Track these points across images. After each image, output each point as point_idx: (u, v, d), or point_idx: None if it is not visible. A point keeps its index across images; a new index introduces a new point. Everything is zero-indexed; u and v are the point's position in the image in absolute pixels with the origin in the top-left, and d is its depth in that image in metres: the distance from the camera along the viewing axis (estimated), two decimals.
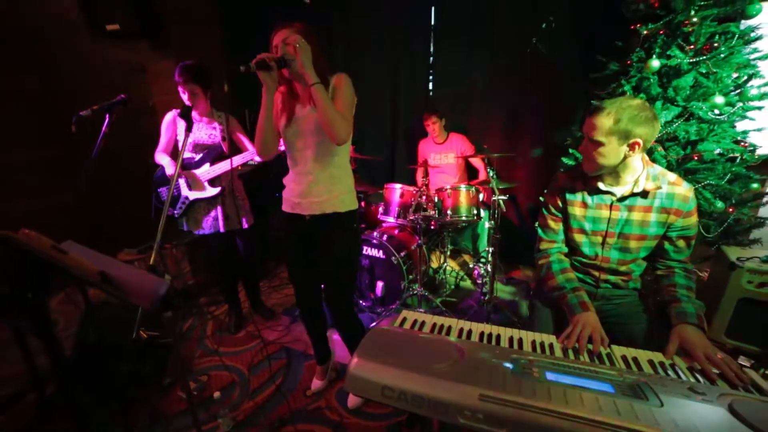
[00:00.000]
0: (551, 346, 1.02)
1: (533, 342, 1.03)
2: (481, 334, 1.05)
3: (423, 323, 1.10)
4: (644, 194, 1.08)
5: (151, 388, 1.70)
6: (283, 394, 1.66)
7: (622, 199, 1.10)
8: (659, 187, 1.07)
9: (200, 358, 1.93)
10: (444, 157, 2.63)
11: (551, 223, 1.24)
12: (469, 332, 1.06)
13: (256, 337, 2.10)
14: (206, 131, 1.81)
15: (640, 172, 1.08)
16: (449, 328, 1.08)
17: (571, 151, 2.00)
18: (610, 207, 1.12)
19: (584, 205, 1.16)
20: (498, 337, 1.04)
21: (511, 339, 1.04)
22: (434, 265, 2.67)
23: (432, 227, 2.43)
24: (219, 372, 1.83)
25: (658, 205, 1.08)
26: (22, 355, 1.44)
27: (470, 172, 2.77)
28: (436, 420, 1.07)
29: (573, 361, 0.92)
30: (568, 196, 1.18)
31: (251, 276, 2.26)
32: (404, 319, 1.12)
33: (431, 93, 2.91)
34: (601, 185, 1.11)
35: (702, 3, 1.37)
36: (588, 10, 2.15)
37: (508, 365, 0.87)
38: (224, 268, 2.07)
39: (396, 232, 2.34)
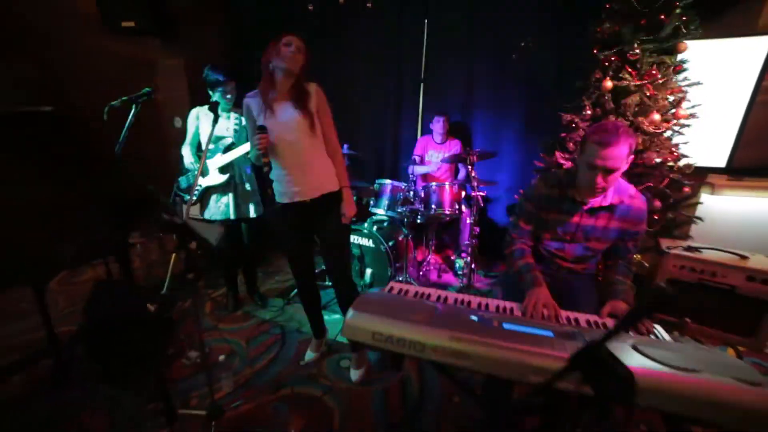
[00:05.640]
0: (512, 309, 1.26)
1: (497, 306, 1.27)
2: (455, 299, 1.28)
3: (407, 291, 1.32)
4: (609, 207, 1.28)
5: (156, 357, 1.84)
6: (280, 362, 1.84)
7: (590, 210, 1.29)
8: (622, 202, 1.27)
9: (203, 333, 2.08)
10: (439, 156, 2.85)
11: (521, 224, 1.44)
12: (446, 298, 1.28)
13: (253, 316, 2.27)
14: (225, 125, 1.98)
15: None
16: (429, 295, 1.30)
17: (542, 155, 2.28)
18: (580, 215, 1.31)
19: (558, 211, 1.34)
20: (469, 302, 1.27)
21: (479, 303, 1.27)
22: (419, 258, 2.90)
23: (418, 221, 2.66)
24: (219, 345, 1.99)
25: (619, 216, 1.28)
26: (42, 321, 1.58)
27: (456, 172, 3.01)
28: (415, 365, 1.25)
29: (528, 320, 1.16)
30: (544, 203, 1.36)
31: (252, 262, 2.41)
32: (392, 288, 1.33)
33: (422, 97, 3.14)
34: (576, 197, 1.28)
35: (644, 38, 1.67)
36: (561, 33, 2.45)
37: (474, 317, 1.10)
38: (229, 254, 2.22)
39: (385, 223, 2.55)
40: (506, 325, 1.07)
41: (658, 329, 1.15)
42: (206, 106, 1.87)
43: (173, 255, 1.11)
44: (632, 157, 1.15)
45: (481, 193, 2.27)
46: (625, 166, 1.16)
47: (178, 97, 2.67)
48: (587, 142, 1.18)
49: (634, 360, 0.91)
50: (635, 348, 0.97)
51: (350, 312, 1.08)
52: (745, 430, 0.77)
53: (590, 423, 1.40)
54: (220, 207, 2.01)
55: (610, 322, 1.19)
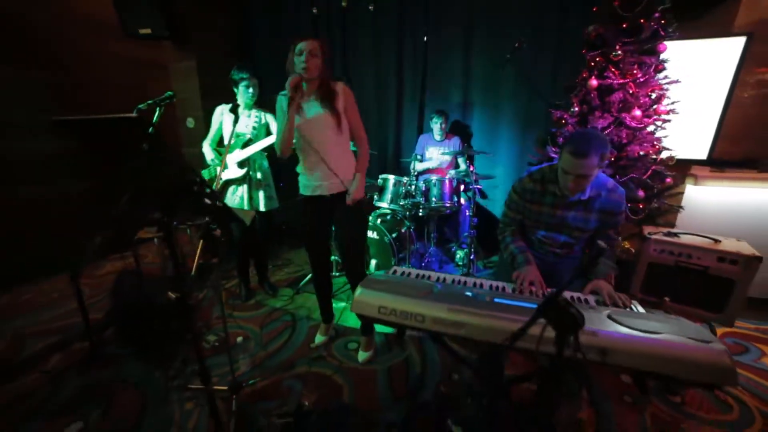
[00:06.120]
0: (504, 287, 1.40)
1: (491, 285, 1.41)
2: (453, 280, 1.42)
3: (410, 273, 1.46)
4: (588, 201, 1.40)
5: (178, 341, 2.00)
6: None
7: (571, 203, 1.42)
8: (600, 194, 1.39)
9: (218, 319, 2.24)
10: (439, 152, 2.98)
11: (511, 214, 1.58)
12: (444, 279, 1.42)
13: (265, 305, 2.42)
14: (245, 122, 2.12)
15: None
16: (429, 276, 1.44)
17: (535, 149, 2.41)
18: (562, 207, 1.44)
19: (541, 204, 1.48)
20: (465, 282, 1.41)
21: (474, 283, 1.41)
22: (422, 250, 3.03)
23: (420, 214, 2.79)
24: (235, 330, 2.14)
25: (597, 208, 1.41)
26: (78, 307, 1.73)
27: (456, 167, 3.14)
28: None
29: (517, 295, 1.30)
30: (529, 197, 1.50)
31: (262, 254, 2.56)
32: (395, 270, 1.48)
33: (425, 96, 3.27)
34: (557, 191, 1.42)
35: (626, 40, 1.80)
36: (553, 34, 2.57)
37: (469, 293, 1.24)
38: (241, 244, 2.36)
39: (388, 216, 2.69)
40: (497, 300, 1.21)
41: (635, 304, 1.28)
42: (230, 106, 2.01)
43: (200, 241, 1.25)
44: (605, 162, 1.29)
45: (479, 186, 2.41)
46: (596, 172, 1.29)
47: (190, 98, 2.81)
48: (563, 150, 1.31)
49: (608, 326, 1.05)
50: (610, 317, 1.11)
51: (359, 289, 1.23)
52: (697, 379, 0.91)
53: (575, 390, 1.54)
54: (236, 199, 2.16)
55: (591, 299, 1.32)
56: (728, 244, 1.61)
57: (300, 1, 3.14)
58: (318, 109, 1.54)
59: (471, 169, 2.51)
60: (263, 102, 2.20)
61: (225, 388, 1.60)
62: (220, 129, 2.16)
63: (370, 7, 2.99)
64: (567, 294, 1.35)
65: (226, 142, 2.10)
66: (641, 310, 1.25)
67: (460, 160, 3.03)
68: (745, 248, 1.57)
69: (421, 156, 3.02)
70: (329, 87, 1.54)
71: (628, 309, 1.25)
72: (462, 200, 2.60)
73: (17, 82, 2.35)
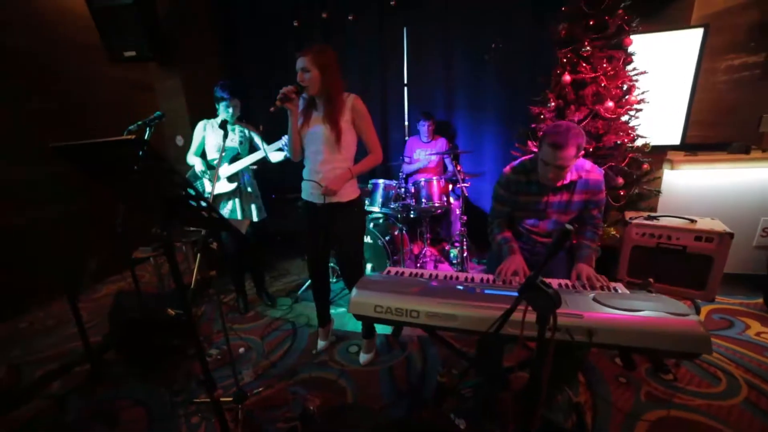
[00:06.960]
0: (494, 280, 1.45)
1: (481, 278, 1.46)
2: (445, 276, 1.47)
3: (403, 272, 1.50)
4: (570, 184, 1.48)
5: (180, 356, 2.00)
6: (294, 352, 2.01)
7: (555, 189, 1.50)
8: (580, 177, 1.47)
9: (218, 333, 2.25)
10: (426, 154, 3.05)
11: (498, 206, 1.65)
12: (437, 276, 1.47)
13: (264, 315, 2.44)
14: (230, 137, 2.15)
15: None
16: (422, 274, 1.49)
17: (517, 144, 2.49)
18: (547, 195, 1.51)
19: (527, 193, 1.55)
20: (457, 277, 1.46)
21: (466, 277, 1.46)
22: (416, 251, 3.08)
23: (411, 215, 2.84)
24: (236, 343, 2.15)
25: (579, 190, 1.48)
26: (78, 330, 1.74)
27: (444, 168, 3.21)
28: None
29: (506, 286, 1.35)
30: (514, 187, 1.56)
31: (258, 265, 2.58)
32: (389, 271, 1.52)
33: (407, 100, 3.34)
34: (540, 180, 1.48)
35: (593, 36, 1.90)
36: (528, 34, 2.67)
37: (460, 287, 1.29)
38: (235, 257, 2.39)
39: (380, 220, 2.74)
40: (487, 291, 1.26)
41: (620, 287, 1.34)
42: (213, 120, 2.05)
43: (198, 255, 1.29)
44: (582, 152, 1.37)
45: (466, 185, 2.48)
46: (574, 161, 1.37)
47: (177, 117, 2.84)
48: (543, 142, 1.38)
49: (593, 308, 1.11)
50: (595, 299, 1.17)
51: (354, 291, 1.27)
52: (676, 350, 0.97)
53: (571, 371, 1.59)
54: (227, 212, 2.19)
55: (578, 285, 1.38)
56: (703, 223, 1.69)
57: (282, 15, 3.20)
58: (318, 123, 1.59)
59: (459, 168, 2.58)
60: (248, 116, 2.24)
61: (230, 399, 1.62)
62: (202, 143, 2.18)
63: (350, 17, 3.06)
64: (555, 282, 1.41)
65: (211, 155, 2.15)
66: (625, 291, 1.32)
67: (447, 161, 3.10)
68: (719, 226, 1.65)
69: (409, 158, 3.09)
70: (332, 100, 1.56)
71: (612, 291, 1.31)
72: (452, 199, 2.66)
73: (5, 106, 2.36)
